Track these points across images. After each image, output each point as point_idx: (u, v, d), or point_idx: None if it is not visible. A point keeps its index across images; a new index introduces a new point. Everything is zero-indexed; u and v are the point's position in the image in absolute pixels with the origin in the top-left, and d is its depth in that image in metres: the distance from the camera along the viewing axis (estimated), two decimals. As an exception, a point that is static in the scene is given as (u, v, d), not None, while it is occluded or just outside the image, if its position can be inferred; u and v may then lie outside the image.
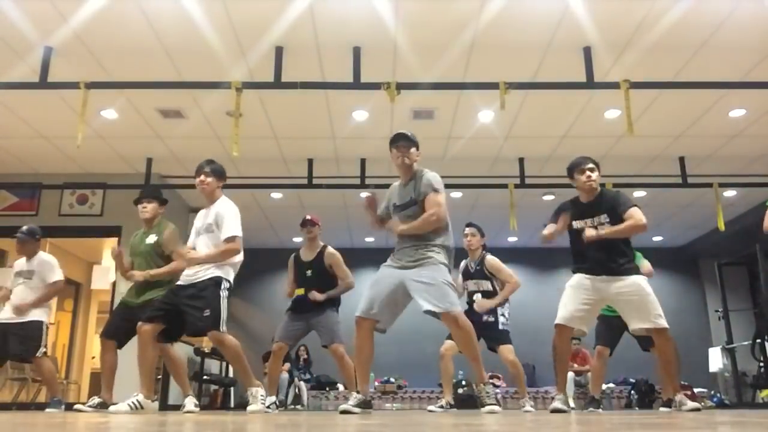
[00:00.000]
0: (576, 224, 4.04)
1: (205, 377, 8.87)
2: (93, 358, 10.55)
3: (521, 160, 7.39)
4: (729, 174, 7.63)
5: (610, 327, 5.04)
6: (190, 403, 4.43)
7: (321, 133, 6.83)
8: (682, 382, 5.18)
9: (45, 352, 5.25)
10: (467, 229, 5.46)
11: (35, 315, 5.21)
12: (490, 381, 4.00)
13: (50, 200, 7.74)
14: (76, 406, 4.74)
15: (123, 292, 6.28)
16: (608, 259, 3.87)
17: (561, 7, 4.76)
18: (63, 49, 5.17)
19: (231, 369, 10.13)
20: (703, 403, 7.80)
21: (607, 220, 3.91)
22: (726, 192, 8.27)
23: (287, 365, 8.78)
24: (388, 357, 9.46)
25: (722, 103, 6.20)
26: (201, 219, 4.28)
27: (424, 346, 9.48)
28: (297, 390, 8.95)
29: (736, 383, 9.69)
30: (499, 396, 9.29)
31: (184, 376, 4.67)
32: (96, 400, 4.57)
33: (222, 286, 4.03)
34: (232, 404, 9.79)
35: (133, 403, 3.86)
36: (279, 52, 5.21)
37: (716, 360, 10.07)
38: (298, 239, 10.70)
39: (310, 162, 7.39)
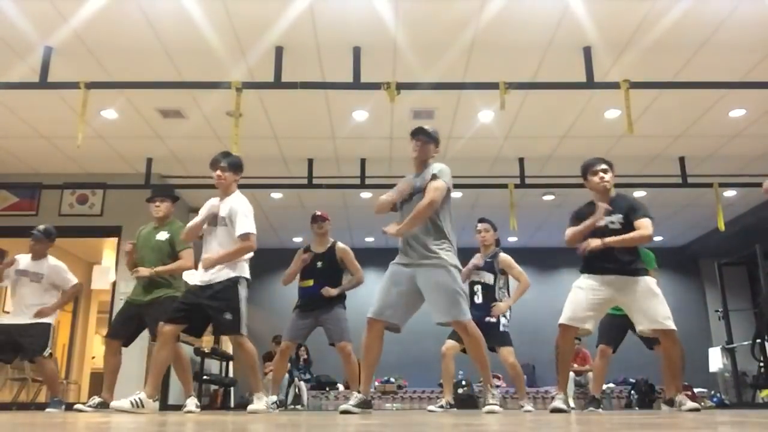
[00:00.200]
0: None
1: (205, 377, 8.87)
2: (93, 358, 10.55)
3: (521, 160, 7.39)
4: (729, 174, 7.63)
5: (614, 326, 5.03)
6: (192, 403, 4.44)
7: (321, 133, 6.83)
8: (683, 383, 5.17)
9: (50, 353, 5.27)
10: (480, 224, 5.44)
11: (44, 317, 5.23)
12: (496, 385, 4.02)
13: (50, 200, 7.75)
14: (77, 406, 4.75)
15: (123, 292, 6.30)
16: (616, 259, 3.86)
17: (561, 7, 4.76)
18: (63, 49, 5.17)
19: (231, 369, 10.14)
20: (703, 403, 7.80)
21: (622, 221, 3.90)
22: (726, 192, 8.27)
23: (287, 365, 8.78)
24: (388, 357, 9.36)
25: (722, 103, 6.20)
26: (211, 208, 4.23)
27: (424, 346, 9.48)
28: (297, 390, 8.95)
29: (736, 383, 9.69)
30: (499, 396, 9.28)
31: (189, 376, 4.69)
32: (96, 399, 4.58)
33: (240, 286, 4.04)
34: (232, 404, 9.79)
35: (135, 400, 3.87)
36: (279, 52, 5.22)
37: (716, 360, 10.07)
38: (298, 239, 10.70)
39: (310, 162, 7.39)
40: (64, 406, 5.23)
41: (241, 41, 5.16)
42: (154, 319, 4.32)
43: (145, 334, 4.84)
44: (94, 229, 7.83)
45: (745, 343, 9.29)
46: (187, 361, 4.70)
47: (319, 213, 5.33)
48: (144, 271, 4.59)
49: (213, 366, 9.73)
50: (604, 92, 5.73)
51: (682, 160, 7.36)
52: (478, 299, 5.24)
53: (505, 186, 7.15)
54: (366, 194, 8.61)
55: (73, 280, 5.43)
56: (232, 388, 9.99)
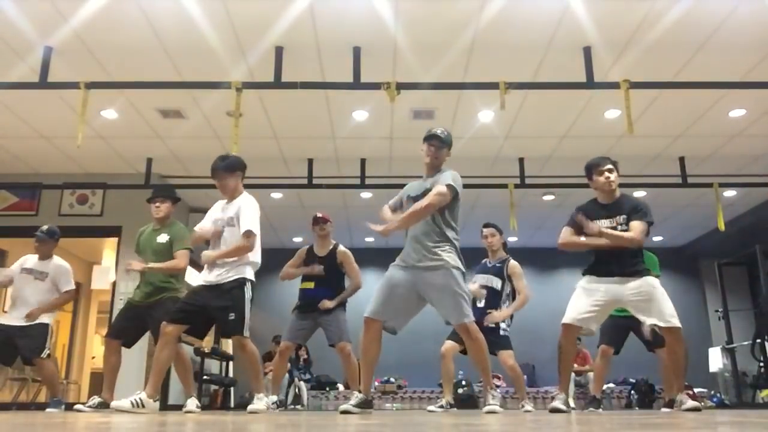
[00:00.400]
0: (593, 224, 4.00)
1: (205, 377, 8.87)
2: (93, 358, 10.55)
3: (521, 160, 7.38)
4: (729, 174, 7.63)
5: (617, 327, 5.01)
6: (192, 403, 4.44)
7: (321, 133, 6.83)
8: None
9: (48, 354, 5.27)
10: (485, 229, 5.39)
11: (42, 318, 5.23)
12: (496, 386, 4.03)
13: (50, 200, 7.74)
14: (76, 407, 4.75)
15: (123, 292, 6.30)
16: (619, 261, 3.85)
17: (561, 7, 4.76)
18: (63, 49, 5.17)
19: (231, 369, 10.14)
20: (703, 403, 7.80)
21: (625, 221, 3.88)
22: (726, 192, 8.27)
23: (287, 365, 8.78)
24: (388, 357, 9.38)
25: (722, 103, 6.19)
26: (219, 211, 4.25)
27: (424, 346, 9.48)
28: (297, 390, 8.95)
29: (736, 383, 9.69)
30: (498, 395, 9.28)
31: (190, 376, 4.69)
32: (96, 400, 4.58)
33: (246, 287, 4.03)
34: (232, 404, 9.79)
35: (135, 400, 3.87)
36: (279, 52, 5.21)
37: (716, 360, 10.07)
38: (298, 239, 10.70)
39: (310, 162, 7.39)
40: (63, 406, 5.23)
41: (241, 41, 5.15)
42: (156, 321, 4.32)
43: (145, 335, 4.85)
44: (94, 229, 7.83)
45: (745, 343, 9.29)
46: (188, 361, 4.71)
47: (320, 215, 5.31)
48: (136, 265, 4.59)
49: (213, 366, 9.73)
50: (604, 92, 5.73)
51: (682, 160, 7.36)
52: (481, 303, 5.22)
53: (505, 186, 7.15)
54: (366, 194, 8.61)
55: (68, 285, 5.35)
56: (232, 388, 9.99)
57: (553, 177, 7.38)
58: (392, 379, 9.79)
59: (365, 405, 3.62)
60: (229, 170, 4.20)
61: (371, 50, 5.23)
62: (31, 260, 5.39)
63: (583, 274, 4.01)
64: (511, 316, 5.25)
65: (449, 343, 5.16)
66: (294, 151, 7.31)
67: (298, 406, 8.78)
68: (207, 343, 8.68)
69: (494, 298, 5.20)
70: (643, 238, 3.83)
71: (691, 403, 4.03)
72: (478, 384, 8.24)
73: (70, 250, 9.77)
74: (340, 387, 9.48)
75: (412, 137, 6.61)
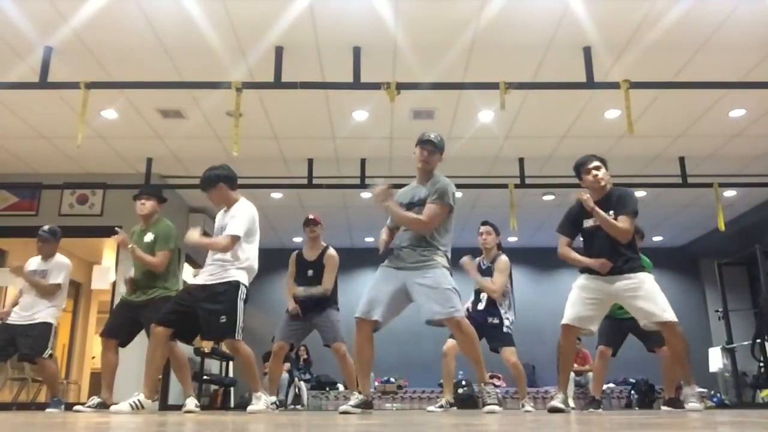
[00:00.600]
0: (586, 223, 4.01)
1: (205, 377, 8.87)
2: (93, 358, 10.55)
3: (521, 160, 7.38)
4: (729, 174, 7.63)
5: (615, 327, 5.02)
6: (191, 403, 4.44)
7: (321, 133, 6.83)
8: (680, 383, 5.16)
9: (50, 354, 5.27)
10: (482, 227, 5.40)
11: (44, 317, 5.24)
12: (491, 381, 4.01)
13: (50, 200, 7.74)
14: (76, 407, 4.75)
15: (123, 292, 6.29)
16: (612, 258, 3.86)
17: (561, 7, 4.76)
18: (63, 49, 5.17)
19: (231, 369, 10.14)
20: (703, 404, 7.80)
21: (615, 217, 3.89)
22: (726, 192, 8.27)
23: (287, 365, 8.79)
24: (388, 357, 9.48)
25: (722, 103, 6.19)
26: (219, 218, 4.29)
27: (424, 346, 9.49)
28: (297, 390, 8.95)
29: (736, 383, 9.68)
30: (499, 396, 9.28)
31: (188, 376, 4.69)
32: (96, 400, 4.58)
33: (240, 291, 4.02)
34: (232, 404, 9.80)
35: (134, 402, 3.87)
36: (279, 52, 5.21)
37: (716, 360, 10.07)
38: (298, 239, 10.70)
39: (310, 162, 7.39)
40: (63, 406, 5.24)
41: (241, 41, 5.15)
42: (149, 320, 4.31)
43: (143, 334, 4.84)
44: (94, 229, 7.82)
45: (745, 343, 9.28)
46: (185, 360, 4.70)
47: (311, 216, 5.31)
48: (121, 235, 4.59)
49: (213, 366, 9.74)
50: (604, 92, 5.73)
51: (682, 160, 7.36)
52: (482, 305, 5.22)
53: (505, 186, 7.15)
54: (366, 194, 8.60)
55: (56, 279, 5.34)
56: (232, 388, 9.99)
57: (553, 177, 7.38)
58: (392, 379, 9.80)
59: (365, 405, 3.61)
60: (210, 184, 4.20)
61: (371, 50, 5.23)
62: (34, 262, 5.43)
63: (581, 272, 4.03)
64: (514, 310, 5.25)
65: (451, 342, 5.15)
66: (294, 151, 7.31)
67: (298, 406, 8.78)
68: (207, 343, 8.68)
69: (491, 299, 5.19)
70: (630, 227, 3.81)
71: (693, 404, 4.04)
72: (477, 384, 8.25)
73: (70, 250, 9.77)
74: (340, 387, 9.48)
75: (412, 137, 6.55)
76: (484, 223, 5.44)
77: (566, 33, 5.04)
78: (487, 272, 5.29)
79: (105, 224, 7.70)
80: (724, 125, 6.68)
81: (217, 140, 6.92)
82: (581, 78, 5.24)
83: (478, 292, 5.30)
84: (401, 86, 5.08)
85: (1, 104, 6.15)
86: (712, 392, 9.45)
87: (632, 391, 9.23)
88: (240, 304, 4.00)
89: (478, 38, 5.14)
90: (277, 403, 5.36)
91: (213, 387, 9.61)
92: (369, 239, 10.82)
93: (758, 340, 8.82)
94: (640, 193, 8.23)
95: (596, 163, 3.99)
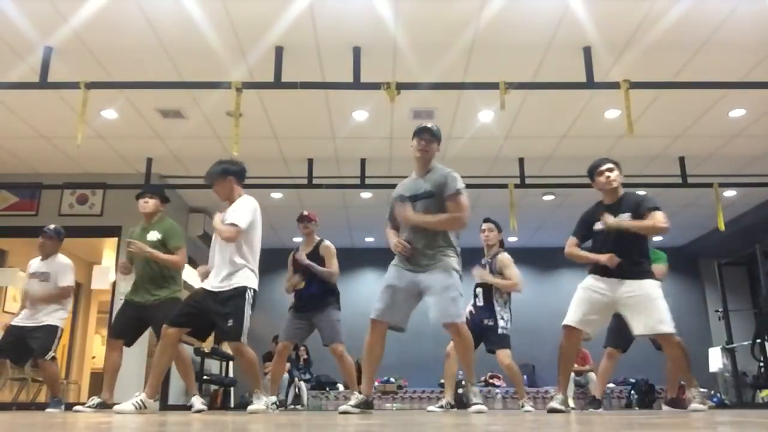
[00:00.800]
0: (597, 226, 3.99)
1: (205, 377, 8.87)
2: (93, 358, 10.55)
3: (521, 160, 7.38)
4: (729, 174, 7.63)
5: (624, 327, 4.97)
6: (198, 402, 4.46)
7: (321, 133, 6.83)
8: (681, 382, 5.16)
9: (54, 357, 5.28)
10: (484, 224, 5.43)
11: (51, 320, 5.24)
12: (491, 381, 4.02)
13: (50, 200, 7.74)
14: (75, 408, 4.75)
15: (123, 292, 6.28)
16: (627, 261, 3.83)
17: (561, 7, 4.76)
18: (63, 49, 5.17)
19: (231, 369, 10.14)
20: (705, 404, 7.79)
21: (631, 219, 3.88)
22: (726, 192, 8.27)
23: (287, 365, 8.79)
24: (388, 357, 9.32)
25: (722, 103, 6.19)
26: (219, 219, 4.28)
27: (424, 346, 9.48)
28: (297, 390, 8.95)
29: (736, 383, 9.68)
30: (498, 396, 9.30)
31: (192, 375, 4.70)
32: (96, 400, 4.58)
33: (247, 296, 4.00)
34: (232, 404, 9.80)
35: (137, 402, 3.87)
36: (279, 52, 5.21)
37: (716, 360, 10.07)
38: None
39: (310, 162, 7.39)
40: (63, 406, 5.24)
41: (241, 41, 5.15)
42: (158, 321, 4.31)
43: (145, 335, 4.85)
44: (94, 229, 7.83)
45: (745, 343, 9.28)
46: (189, 360, 4.71)
47: (305, 213, 5.35)
48: (138, 245, 4.52)
49: (213, 366, 9.74)
50: (604, 92, 5.73)
51: (682, 160, 7.36)
52: (480, 302, 5.23)
53: (505, 186, 7.15)
54: (366, 194, 8.61)
55: (66, 281, 5.35)
56: (232, 388, 9.99)
57: (553, 177, 7.38)
58: (392, 379, 9.80)
59: (366, 405, 3.61)
60: (220, 176, 4.19)
61: (371, 50, 5.23)
62: (34, 264, 5.44)
63: (589, 273, 4.00)
64: (511, 311, 5.25)
65: None
66: (294, 151, 7.31)
67: (298, 406, 8.78)
68: (207, 343, 8.68)
69: (490, 294, 5.22)
70: (666, 222, 3.80)
71: (696, 405, 4.04)
72: (478, 384, 8.24)
73: (70, 250, 9.74)
74: (340, 387, 9.48)
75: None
76: (486, 220, 5.47)
77: (566, 33, 5.04)
78: (487, 269, 5.31)
79: (105, 224, 7.73)
80: (724, 125, 6.68)
81: (217, 140, 6.92)
82: (581, 78, 5.24)
83: (474, 288, 5.31)
84: (401, 86, 5.08)
85: (1, 104, 6.15)
86: (712, 392, 9.46)
87: (632, 391, 9.23)
88: (247, 309, 3.98)
89: (478, 38, 5.14)
90: (278, 403, 5.35)
91: (213, 387, 9.61)
92: (369, 239, 10.82)
93: (758, 340, 8.82)
94: (640, 193, 8.22)
95: (609, 165, 4.01)
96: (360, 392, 3.68)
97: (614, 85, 5.18)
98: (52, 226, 5.47)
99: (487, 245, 5.39)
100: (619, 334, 5.04)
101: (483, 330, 5.07)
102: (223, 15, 4.82)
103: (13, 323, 5.30)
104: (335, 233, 10.06)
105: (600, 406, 5.20)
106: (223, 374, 9.91)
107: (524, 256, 10.84)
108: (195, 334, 4.22)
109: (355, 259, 9.97)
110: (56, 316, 5.28)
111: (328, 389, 9.52)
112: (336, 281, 5.19)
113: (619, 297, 3.84)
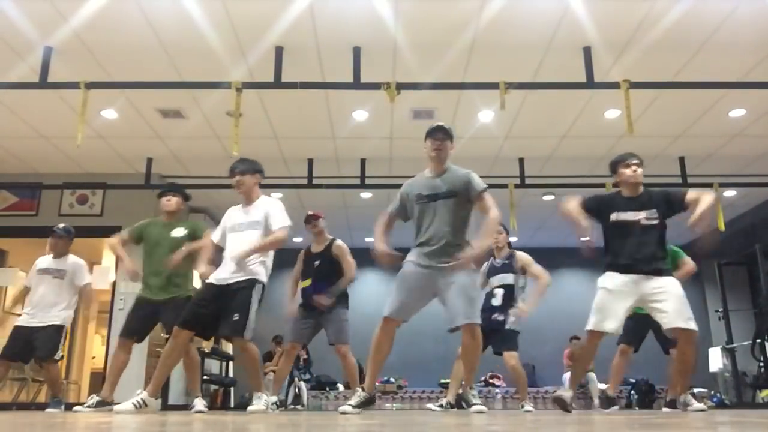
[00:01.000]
0: (616, 216, 3.96)
1: (205, 377, 8.85)
2: (93, 358, 10.55)
3: (521, 160, 7.38)
4: (729, 174, 7.63)
5: (637, 325, 4.91)
6: (200, 403, 4.45)
7: (321, 133, 6.83)
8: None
9: (62, 356, 5.28)
10: None
11: (58, 319, 5.24)
12: (491, 381, 4.03)
13: (50, 200, 7.75)
14: (75, 408, 4.74)
15: (123, 292, 6.27)
16: (645, 257, 3.84)
17: (561, 7, 4.76)
18: (63, 49, 5.17)
19: (231, 369, 10.14)
20: (703, 404, 7.80)
21: (657, 215, 3.91)
22: (726, 192, 8.27)
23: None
24: (388, 357, 9.45)
25: (722, 103, 6.20)
26: (235, 218, 4.25)
27: (424, 346, 9.48)
28: (297, 390, 8.95)
29: (736, 383, 9.68)
30: (498, 396, 9.30)
31: (198, 377, 4.70)
32: (95, 398, 4.57)
33: (255, 290, 3.99)
34: (232, 404, 9.79)
35: (137, 402, 3.86)
36: (279, 52, 5.21)
37: (716, 360, 10.07)
38: (298, 239, 10.69)
39: (310, 162, 7.39)
40: (63, 406, 5.24)
41: (241, 41, 5.15)
42: (170, 319, 4.31)
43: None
44: (94, 229, 7.81)
45: (745, 343, 9.29)
46: (197, 361, 4.70)
47: (311, 213, 5.38)
48: (173, 259, 4.45)
49: (213, 366, 9.73)
50: (604, 92, 5.73)
51: (682, 160, 7.36)
52: (497, 301, 5.23)
53: (505, 186, 7.15)
54: (366, 194, 8.61)
55: (85, 279, 5.43)
56: (232, 388, 9.99)
57: (553, 177, 7.38)
58: (392, 379, 9.80)
59: (368, 402, 3.60)
60: (252, 169, 4.26)
61: (371, 50, 5.23)
62: (45, 261, 5.42)
63: (605, 270, 3.95)
64: (516, 304, 5.25)
65: None
66: (294, 151, 7.31)
67: (298, 406, 8.77)
68: (207, 343, 8.68)
69: (510, 294, 5.22)
70: (707, 192, 3.84)
71: (697, 405, 4.03)
72: (478, 384, 8.24)
73: (70, 249, 9.77)
74: (340, 387, 9.48)
75: (412, 137, 6.62)
76: None
77: (566, 33, 5.05)
78: (502, 269, 5.32)
79: (105, 224, 7.72)
80: (724, 125, 6.68)
81: (217, 140, 6.92)
82: (581, 78, 5.24)
83: (493, 289, 5.31)
84: (401, 86, 5.08)
85: (1, 104, 6.15)
86: (712, 392, 9.46)
87: (632, 391, 9.22)
88: (254, 305, 3.98)
89: (478, 38, 5.14)
90: (278, 402, 5.35)
91: (213, 387, 9.60)
92: (369, 239, 10.78)
93: (758, 340, 8.83)
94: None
95: (637, 161, 4.05)
96: (363, 389, 3.66)
97: (614, 85, 5.18)
98: (61, 226, 5.46)
99: (497, 247, 5.41)
100: (633, 331, 5.01)
101: (492, 327, 5.02)
102: (223, 15, 4.82)
103: (19, 324, 5.26)
104: (335, 233, 9.97)
105: (614, 404, 5.18)
106: (223, 374, 9.90)
107: (524, 256, 10.92)
108: (200, 333, 4.21)
109: (355, 258, 9.94)
110: (62, 316, 5.27)
111: (328, 389, 9.52)
112: (354, 276, 5.19)
113: (646, 293, 3.81)
